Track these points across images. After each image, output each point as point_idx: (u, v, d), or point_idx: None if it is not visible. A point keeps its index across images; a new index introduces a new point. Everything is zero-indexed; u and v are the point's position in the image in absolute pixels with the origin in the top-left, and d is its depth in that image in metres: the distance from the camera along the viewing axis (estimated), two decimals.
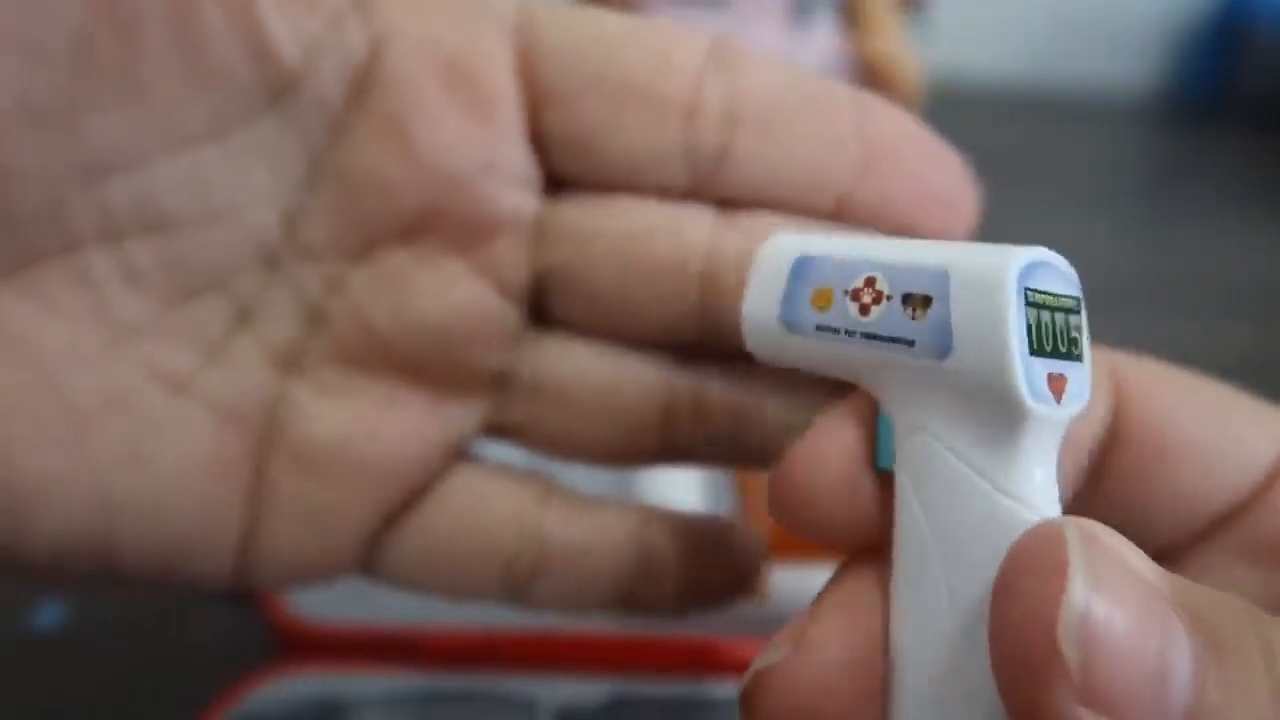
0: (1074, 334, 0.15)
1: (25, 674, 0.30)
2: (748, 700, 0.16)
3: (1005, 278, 0.14)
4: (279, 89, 0.18)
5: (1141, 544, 0.18)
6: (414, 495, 0.20)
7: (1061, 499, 0.16)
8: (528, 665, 0.29)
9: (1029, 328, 0.14)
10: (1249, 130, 0.59)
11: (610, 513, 0.21)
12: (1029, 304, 0.14)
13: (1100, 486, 0.18)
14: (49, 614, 0.31)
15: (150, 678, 0.30)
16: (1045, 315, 0.15)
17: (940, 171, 0.20)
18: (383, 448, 0.19)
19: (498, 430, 0.21)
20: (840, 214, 0.20)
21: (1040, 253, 0.15)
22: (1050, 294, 0.15)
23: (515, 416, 0.21)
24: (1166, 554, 0.18)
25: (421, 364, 0.20)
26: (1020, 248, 0.15)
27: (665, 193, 0.20)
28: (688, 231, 0.19)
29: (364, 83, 0.19)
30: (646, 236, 0.19)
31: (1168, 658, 0.13)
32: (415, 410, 0.20)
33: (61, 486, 0.18)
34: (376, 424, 0.20)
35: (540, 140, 0.20)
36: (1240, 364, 0.17)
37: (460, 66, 0.19)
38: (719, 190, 0.20)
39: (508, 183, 0.19)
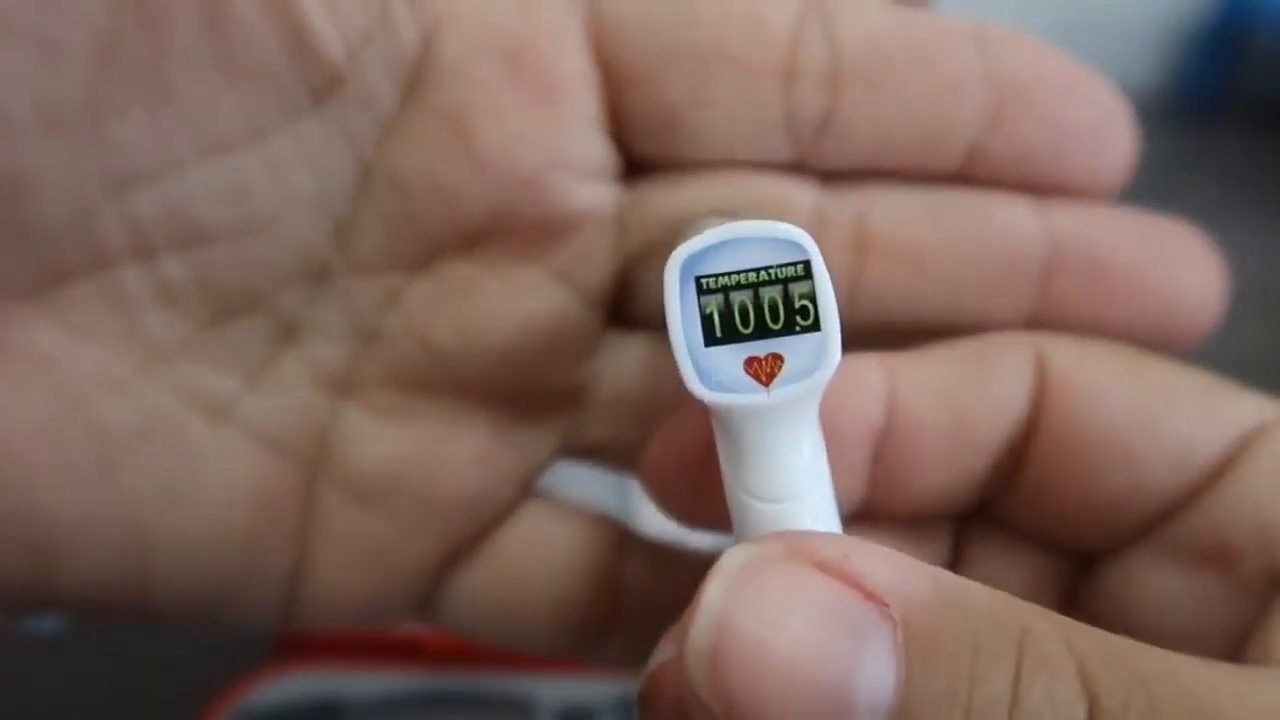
0: (800, 303, 0.14)
1: (25, 674, 0.30)
2: (644, 699, 0.15)
3: (668, 272, 0.14)
4: (322, 86, 0.16)
5: (1064, 545, 0.17)
6: (482, 530, 0.18)
7: (851, 475, 0.16)
8: (528, 665, 0.29)
9: (707, 316, 0.14)
10: (1250, 130, 0.59)
11: (691, 564, 0.19)
12: (706, 291, 0.14)
13: (1018, 483, 0.17)
14: (49, 615, 0.31)
15: (150, 678, 0.30)
16: (740, 296, 0.14)
17: (1084, 106, 0.18)
18: (447, 477, 0.18)
19: (573, 452, 0.19)
20: (969, 172, 0.18)
21: (722, 232, 0.14)
22: (736, 273, 0.14)
23: (593, 435, 0.19)
24: (1090, 558, 0.17)
25: (490, 384, 0.18)
26: (700, 234, 0.14)
27: (762, 169, 0.18)
28: (790, 206, 0.17)
29: (417, 76, 0.17)
30: (743, 212, 0.17)
31: (853, 671, 0.11)
32: (483, 435, 0.18)
33: (93, 521, 0.16)
34: (439, 450, 0.18)
35: (619, 124, 0.18)
36: (1246, 365, 0.17)
37: (523, 50, 0.17)
38: (825, 160, 0.18)
39: (581, 176, 0.17)
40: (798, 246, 0.14)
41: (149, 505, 0.17)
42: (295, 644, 0.30)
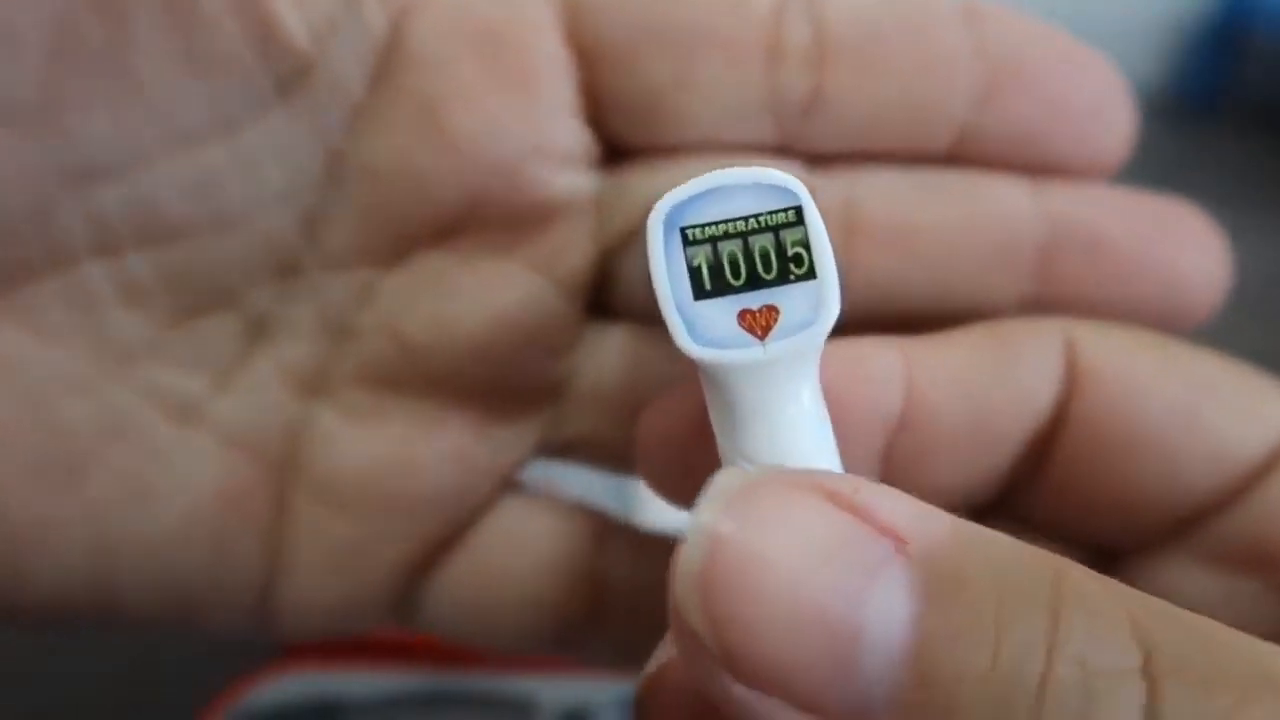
0: (793, 250, 0.13)
1: (24, 675, 0.30)
2: (642, 703, 0.14)
3: (651, 224, 0.13)
4: (289, 76, 0.16)
5: (1087, 543, 0.17)
6: (457, 531, 0.18)
7: (861, 466, 0.15)
8: (528, 665, 0.29)
9: (695, 269, 0.13)
10: (1250, 131, 0.59)
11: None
12: (692, 243, 0.13)
13: (1041, 477, 0.16)
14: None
15: (150, 678, 0.30)
16: (729, 245, 0.13)
17: (1080, 82, 0.17)
18: (422, 478, 0.17)
19: (553, 449, 0.18)
20: (961, 152, 0.17)
21: (707, 180, 0.13)
22: (723, 222, 0.13)
23: (574, 430, 0.18)
24: (1114, 557, 0.17)
25: (466, 380, 0.17)
26: (684, 184, 0.13)
27: (745, 151, 0.17)
28: None
29: (386, 63, 0.16)
30: None
31: (861, 603, 0.10)
32: (459, 433, 0.17)
33: (57, 527, 0.16)
34: (414, 451, 0.17)
35: (596, 108, 0.17)
36: (1250, 366, 0.16)
37: (496, 34, 0.16)
38: (812, 142, 0.17)
39: (558, 163, 0.17)
40: (788, 192, 0.13)
41: (114, 509, 0.16)
42: (295, 644, 0.30)
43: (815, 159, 0.17)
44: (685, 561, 0.11)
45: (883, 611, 0.10)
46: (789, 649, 0.10)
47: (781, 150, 0.17)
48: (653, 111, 0.17)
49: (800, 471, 0.12)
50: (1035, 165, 0.17)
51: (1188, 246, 0.17)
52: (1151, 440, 0.15)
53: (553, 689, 0.29)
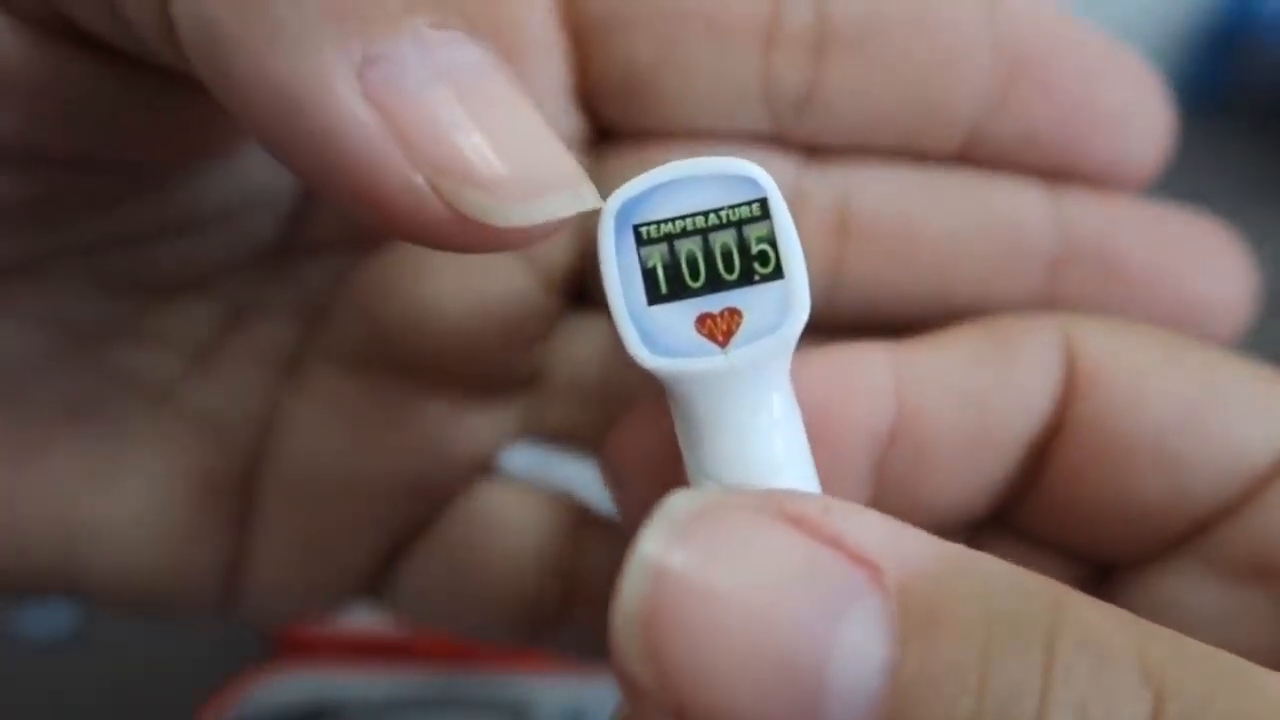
0: (758, 248, 0.12)
1: (24, 675, 0.30)
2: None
3: (601, 222, 0.12)
4: None
5: (1085, 555, 0.15)
6: (429, 517, 0.17)
7: (850, 485, 0.14)
8: (528, 666, 0.29)
9: (649, 270, 0.12)
10: (1251, 131, 0.59)
11: None
12: (646, 241, 0.12)
13: (1039, 485, 0.15)
14: (50, 615, 0.31)
15: (150, 678, 0.30)
16: (686, 244, 0.12)
17: (1107, 84, 0.16)
18: (395, 463, 0.17)
19: (531, 437, 0.18)
20: (971, 154, 0.16)
21: (662, 173, 0.12)
22: (680, 218, 0.12)
23: (553, 419, 0.17)
24: (1112, 568, 0.16)
25: (442, 367, 0.17)
26: (637, 177, 0.12)
27: (737, 140, 0.16)
28: None
29: None
30: None
31: (827, 643, 0.09)
32: (434, 420, 0.17)
33: (18, 506, 0.16)
34: (387, 436, 0.17)
35: (585, 87, 0.16)
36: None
37: (487, 10, 0.15)
38: (806, 136, 0.16)
39: None
40: (751, 183, 0.12)
41: (77, 490, 0.16)
42: (294, 644, 0.30)
43: (814, 152, 0.16)
44: (626, 597, 0.10)
45: (853, 653, 0.09)
46: (745, 698, 0.09)
47: (777, 141, 0.16)
48: (637, 93, 0.16)
49: (761, 493, 0.10)
50: (1054, 173, 0.16)
51: (1207, 267, 0.16)
52: (1155, 443, 0.14)
53: (551, 690, 0.29)
